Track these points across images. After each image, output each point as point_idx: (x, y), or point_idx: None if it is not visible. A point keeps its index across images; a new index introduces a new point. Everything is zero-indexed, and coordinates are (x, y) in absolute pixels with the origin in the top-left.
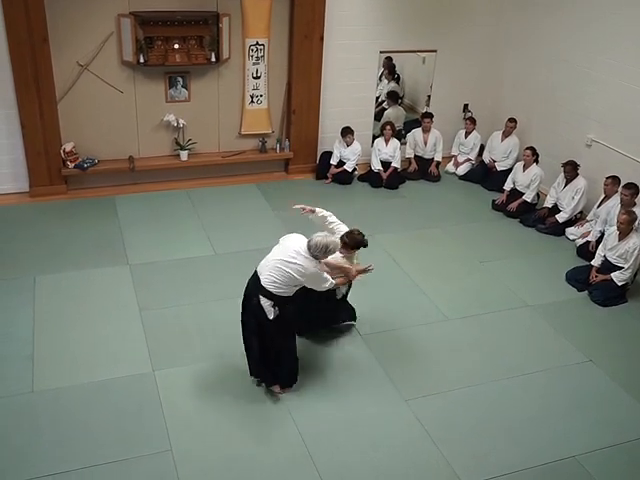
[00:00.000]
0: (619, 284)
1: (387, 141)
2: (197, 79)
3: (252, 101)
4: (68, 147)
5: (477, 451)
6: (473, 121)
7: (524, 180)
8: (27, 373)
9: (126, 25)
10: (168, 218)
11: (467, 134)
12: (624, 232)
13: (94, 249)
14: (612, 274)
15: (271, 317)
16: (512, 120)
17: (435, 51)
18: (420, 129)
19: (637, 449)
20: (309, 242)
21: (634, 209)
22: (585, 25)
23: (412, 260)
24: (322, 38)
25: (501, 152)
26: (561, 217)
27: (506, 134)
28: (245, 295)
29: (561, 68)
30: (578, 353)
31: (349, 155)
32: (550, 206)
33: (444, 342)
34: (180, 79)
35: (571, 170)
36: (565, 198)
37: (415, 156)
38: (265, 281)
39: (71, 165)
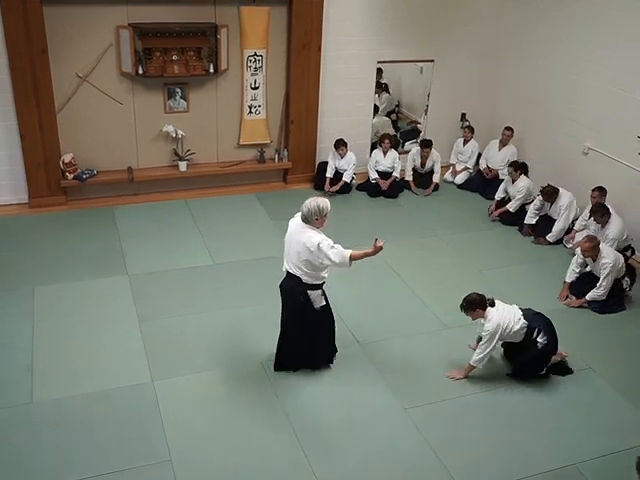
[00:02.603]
0: (598, 299)
1: (385, 153)
2: (196, 90)
3: (250, 111)
4: (67, 158)
5: (477, 459)
6: (471, 130)
7: (513, 192)
8: (26, 384)
9: (125, 37)
10: (167, 228)
11: (465, 143)
12: (593, 257)
13: (93, 260)
14: (587, 296)
15: (319, 306)
16: (509, 129)
17: (432, 61)
18: (419, 148)
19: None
20: (301, 215)
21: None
22: (582, 35)
23: (411, 269)
24: (320, 48)
25: (499, 161)
26: (551, 237)
27: (503, 143)
28: (286, 298)
29: (558, 77)
30: (577, 360)
31: (344, 166)
32: (534, 222)
33: (443, 350)
34: (179, 90)
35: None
36: (554, 214)
37: (413, 169)
38: (304, 278)
39: (70, 176)
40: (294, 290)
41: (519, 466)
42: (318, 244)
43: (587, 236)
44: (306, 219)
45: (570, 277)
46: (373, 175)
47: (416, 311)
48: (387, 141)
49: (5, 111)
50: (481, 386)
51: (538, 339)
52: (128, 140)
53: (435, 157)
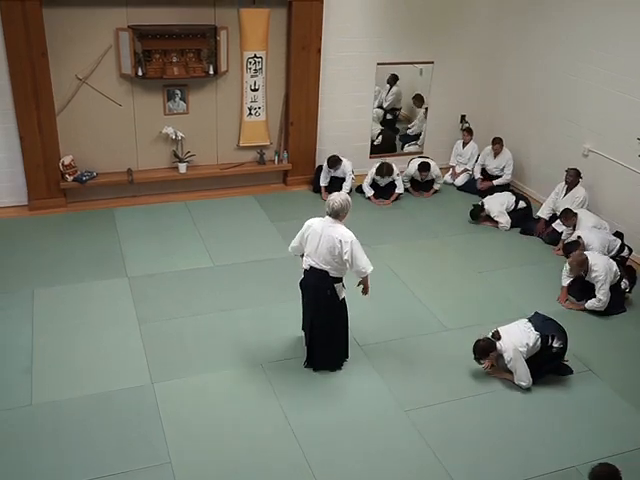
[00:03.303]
0: (597, 310)
1: (383, 177)
2: (195, 92)
3: (250, 113)
4: (67, 160)
5: (477, 461)
6: (470, 132)
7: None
8: (26, 386)
9: (124, 39)
10: (167, 230)
11: (464, 144)
12: (583, 271)
13: (93, 262)
14: (586, 304)
15: (342, 297)
16: (496, 141)
17: (432, 62)
18: (418, 171)
19: (637, 458)
20: (332, 211)
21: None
22: (582, 36)
23: (411, 271)
24: (319, 50)
25: (492, 168)
26: (558, 225)
27: (495, 153)
28: (313, 294)
29: (558, 78)
30: (577, 362)
31: (341, 174)
32: (547, 218)
33: (443, 352)
34: (178, 92)
35: (574, 176)
36: (564, 204)
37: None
38: (331, 272)
39: (70, 178)
40: (321, 285)
41: (519, 468)
42: (352, 241)
43: (572, 254)
44: (337, 214)
45: (565, 281)
46: (369, 193)
47: (416, 313)
48: (387, 177)
49: (5, 113)
50: (481, 388)
51: (554, 344)
52: (128, 142)
53: (435, 174)
